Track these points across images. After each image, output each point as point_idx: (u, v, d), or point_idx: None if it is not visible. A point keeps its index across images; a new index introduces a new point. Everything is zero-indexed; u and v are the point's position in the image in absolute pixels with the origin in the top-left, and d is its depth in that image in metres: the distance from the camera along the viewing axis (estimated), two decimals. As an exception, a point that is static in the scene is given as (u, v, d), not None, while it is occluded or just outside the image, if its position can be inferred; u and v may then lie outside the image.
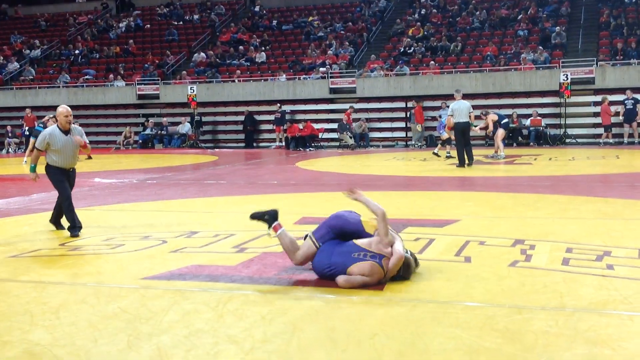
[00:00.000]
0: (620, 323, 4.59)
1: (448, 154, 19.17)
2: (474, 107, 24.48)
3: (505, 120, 19.38)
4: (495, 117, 19.21)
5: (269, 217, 5.95)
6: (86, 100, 30.25)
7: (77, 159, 8.46)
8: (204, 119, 28.79)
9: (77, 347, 4.31)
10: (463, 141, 16.63)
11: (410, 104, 25.96)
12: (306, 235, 6.36)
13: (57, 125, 8.19)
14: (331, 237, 5.79)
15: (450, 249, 6.99)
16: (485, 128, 19.72)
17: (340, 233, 5.78)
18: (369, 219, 5.87)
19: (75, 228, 8.20)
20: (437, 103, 25.17)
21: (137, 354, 4.16)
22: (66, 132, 8.18)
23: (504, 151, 18.97)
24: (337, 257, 5.61)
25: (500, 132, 18.96)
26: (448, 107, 20.19)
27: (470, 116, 16.66)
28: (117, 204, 11.11)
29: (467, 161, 16.48)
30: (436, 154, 19.08)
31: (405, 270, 5.60)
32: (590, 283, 5.58)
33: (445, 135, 19.33)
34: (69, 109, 8.26)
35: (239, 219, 9.34)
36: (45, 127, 20.92)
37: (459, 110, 16.59)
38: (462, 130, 16.68)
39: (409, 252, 5.74)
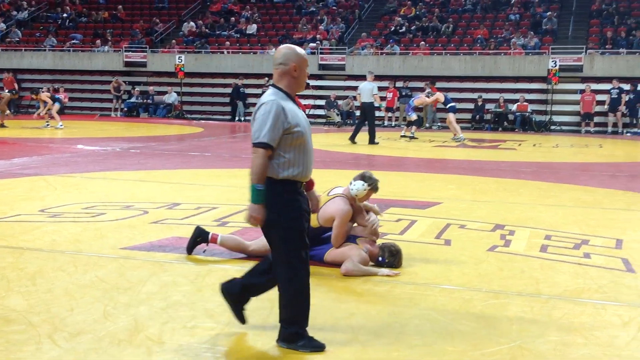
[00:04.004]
0: (594, 312, 4.64)
1: (412, 135, 19.37)
2: (462, 90, 24.47)
3: (452, 104, 19.49)
4: (442, 99, 19.31)
5: (201, 235, 5.79)
6: (72, 65, 29.87)
7: None
8: (191, 89, 28.55)
9: (52, 314, 4.30)
10: (363, 120, 17.69)
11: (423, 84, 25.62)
12: None
13: (282, 89, 3.85)
14: None
15: (431, 231, 7.03)
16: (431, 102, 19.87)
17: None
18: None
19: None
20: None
21: (113, 324, 4.16)
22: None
23: (462, 133, 19.18)
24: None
25: (451, 116, 19.20)
26: (428, 89, 20.57)
27: (374, 97, 17.36)
28: (99, 171, 11.04)
29: (374, 140, 17.35)
30: (406, 136, 19.22)
31: (393, 256, 5.56)
32: (567, 271, 5.64)
33: (413, 117, 19.49)
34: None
35: (222, 192, 9.32)
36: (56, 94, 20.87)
37: (364, 90, 17.46)
38: (363, 110, 17.75)
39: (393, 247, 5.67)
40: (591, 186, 10.73)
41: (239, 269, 5.46)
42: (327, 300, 4.75)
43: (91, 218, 7.30)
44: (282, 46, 3.95)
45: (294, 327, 3.85)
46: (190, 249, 5.83)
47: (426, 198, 9.08)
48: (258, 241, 5.81)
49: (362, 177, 5.60)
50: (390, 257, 5.55)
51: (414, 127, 19.54)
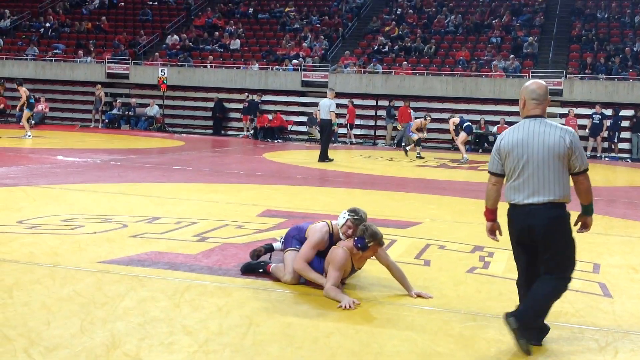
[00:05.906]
0: (571, 336, 4.68)
1: (418, 155, 19.76)
2: (443, 110, 24.66)
3: (467, 123, 19.70)
4: (457, 120, 19.52)
5: (263, 267, 5.83)
6: (53, 75, 29.71)
7: None
8: (173, 102, 28.47)
9: (28, 328, 4.25)
10: (323, 137, 17.53)
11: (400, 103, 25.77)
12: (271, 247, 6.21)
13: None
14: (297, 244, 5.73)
15: (411, 251, 7.04)
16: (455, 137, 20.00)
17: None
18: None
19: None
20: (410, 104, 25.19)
21: (89, 339, 4.12)
22: None
23: (467, 155, 19.38)
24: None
25: (462, 136, 19.39)
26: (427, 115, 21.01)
27: (331, 114, 17.26)
28: (79, 183, 10.96)
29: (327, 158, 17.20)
30: (420, 155, 19.69)
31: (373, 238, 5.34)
32: (545, 294, 5.67)
33: (414, 137, 19.73)
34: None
35: (202, 206, 9.28)
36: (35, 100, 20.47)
37: (322, 107, 17.40)
38: (321, 127, 17.74)
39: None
40: (569, 210, 10.80)
41: (217, 285, 5.44)
42: (305, 318, 4.74)
43: (69, 230, 7.23)
44: (540, 82, 4.62)
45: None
46: (248, 270, 5.83)
47: (406, 218, 9.11)
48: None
49: (350, 209, 5.60)
50: (370, 239, 5.27)
51: (417, 147, 19.90)
